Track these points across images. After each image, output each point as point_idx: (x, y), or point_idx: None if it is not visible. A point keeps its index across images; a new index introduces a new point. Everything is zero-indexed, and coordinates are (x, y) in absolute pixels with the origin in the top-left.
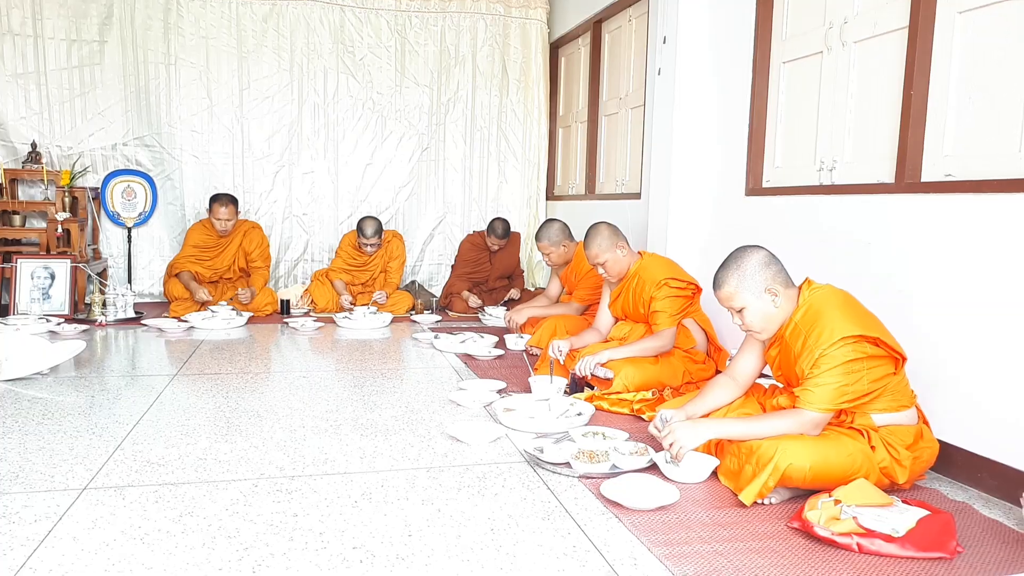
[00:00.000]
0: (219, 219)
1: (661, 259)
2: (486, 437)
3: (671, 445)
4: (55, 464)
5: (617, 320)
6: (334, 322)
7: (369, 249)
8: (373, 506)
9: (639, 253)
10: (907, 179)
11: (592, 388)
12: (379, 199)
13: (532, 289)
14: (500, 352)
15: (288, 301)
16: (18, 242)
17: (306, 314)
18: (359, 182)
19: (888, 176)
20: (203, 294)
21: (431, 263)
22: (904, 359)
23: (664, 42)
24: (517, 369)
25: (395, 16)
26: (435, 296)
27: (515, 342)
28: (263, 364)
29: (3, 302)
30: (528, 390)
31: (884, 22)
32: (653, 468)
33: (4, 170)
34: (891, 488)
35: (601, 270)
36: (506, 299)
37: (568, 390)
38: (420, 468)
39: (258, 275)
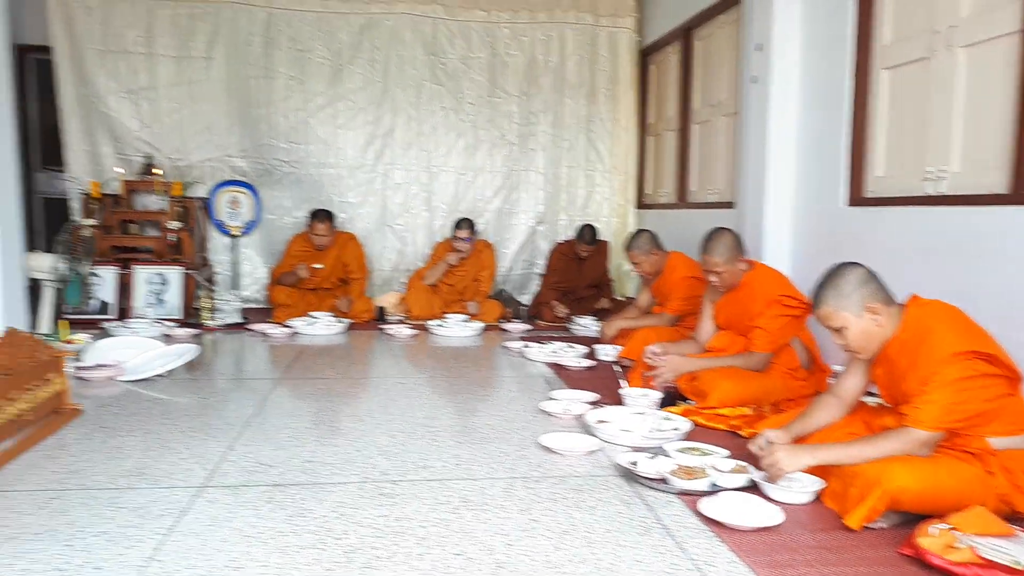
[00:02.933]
0: (317, 235)
1: (773, 272)
2: (580, 449)
3: (770, 467)
4: (175, 462)
5: (719, 330)
6: (428, 329)
7: (462, 244)
8: (472, 513)
9: (750, 263)
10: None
11: (687, 401)
12: (471, 208)
13: (622, 299)
14: (590, 363)
15: (384, 308)
16: (134, 249)
17: (401, 321)
18: (452, 191)
19: (1002, 186)
20: (303, 270)
21: (521, 272)
22: (1020, 379)
23: (759, 49)
24: (608, 380)
25: (485, 27)
26: (524, 305)
27: (605, 352)
28: (361, 369)
29: (121, 306)
30: (620, 402)
31: (995, 26)
32: (754, 487)
33: (123, 182)
34: (1011, 517)
35: (714, 278)
36: (596, 309)
37: (662, 403)
38: (516, 477)
39: (356, 284)
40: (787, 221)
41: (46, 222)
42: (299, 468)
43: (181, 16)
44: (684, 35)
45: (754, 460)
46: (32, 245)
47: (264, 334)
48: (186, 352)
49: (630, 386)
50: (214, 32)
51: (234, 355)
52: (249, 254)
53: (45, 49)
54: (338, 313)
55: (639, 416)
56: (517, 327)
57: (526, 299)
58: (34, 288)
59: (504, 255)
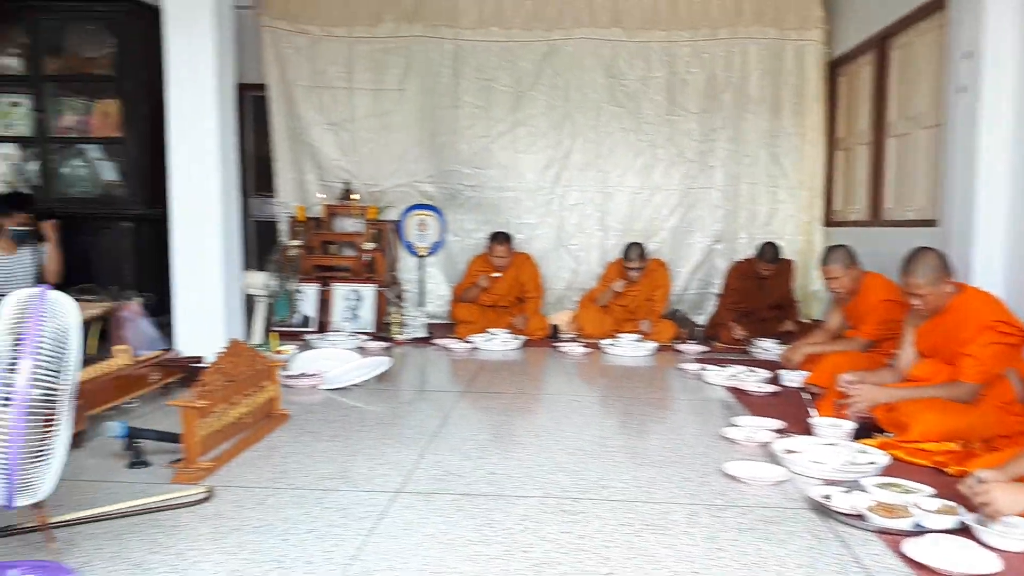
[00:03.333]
0: (496, 256)
1: (986, 296)
2: (767, 479)
3: (984, 507)
4: (372, 467)
5: (923, 358)
6: (600, 348)
7: (632, 274)
8: (656, 537)
9: (958, 286)
10: None
11: (884, 433)
12: (646, 228)
13: (807, 322)
14: (774, 388)
15: (557, 327)
16: (333, 268)
17: (573, 339)
18: (626, 212)
19: None
20: (484, 280)
21: (696, 292)
22: None
23: (967, 57)
24: (794, 407)
25: (664, 47)
26: (700, 326)
27: (790, 378)
28: (537, 386)
29: (321, 320)
30: (809, 432)
31: None
32: (965, 531)
33: (324, 206)
34: None
35: (917, 301)
36: (780, 331)
37: (856, 435)
38: (699, 504)
39: (531, 303)
40: (1000, 241)
41: (257, 243)
42: (484, 479)
43: (377, 51)
44: (879, 45)
45: (964, 500)
46: (247, 264)
47: (447, 348)
48: (380, 364)
49: (820, 415)
50: (407, 65)
51: (420, 368)
52: (434, 273)
53: (259, 87)
54: (514, 330)
55: (831, 447)
56: (692, 348)
57: (702, 319)
58: (248, 303)
59: (679, 274)
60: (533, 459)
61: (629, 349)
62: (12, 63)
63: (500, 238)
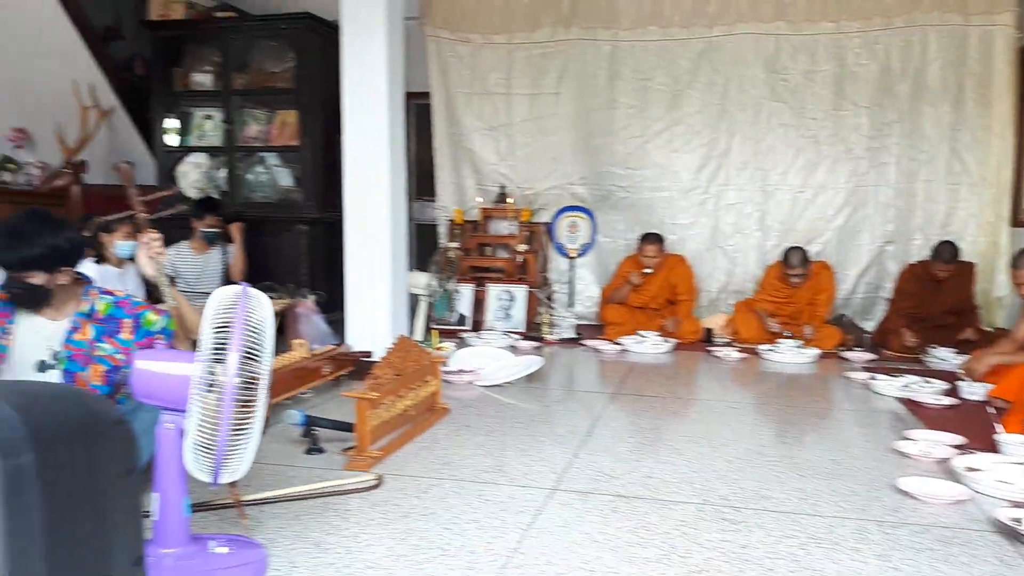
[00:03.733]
0: (646, 256)
1: None
2: (946, 497)
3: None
4: (528, 464)
5: None
6: (757, 353)
7: (794, 280)
8: (823, 551)
9: None
10: None
11: None
12: (808, 228)
13: (990, 330)
14: (952, 401)
15: (711, 330)
16: (487, 269)
17: (728, 344)
18: (787, 211)
19: None
20: (635, 277)
21: (864, 296)
22: None
23: None
24: (976, 422)
25: (833, 39)
26: (868, 332)
27: (971, 391)
28: (691, 390)
29: (475, 319)
30: (994, 449)
31: None
32: None
33: (481, 209)
34: None
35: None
36: (958, 340)
37: None
38: (869, 520)
39: (683, 305)
40: None
41: (417, 246)
42: (639, 482)
43: (535, 56)
44: None
45: None
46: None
47: (596, 350)
48: (533, 364)
49: (1007, 431)
50: (563, 68)
51: (571, 368)
52: (583, 274)
53: (420, 95)
54: (665, 333)
55: (1020, 467)
56: (859, 356)
57: (870, 326)
58: (411, 301)
59: (845, 277)
60: (689, 465)
61: (789, 355)
62: (205, 79)
63: (651, 238)
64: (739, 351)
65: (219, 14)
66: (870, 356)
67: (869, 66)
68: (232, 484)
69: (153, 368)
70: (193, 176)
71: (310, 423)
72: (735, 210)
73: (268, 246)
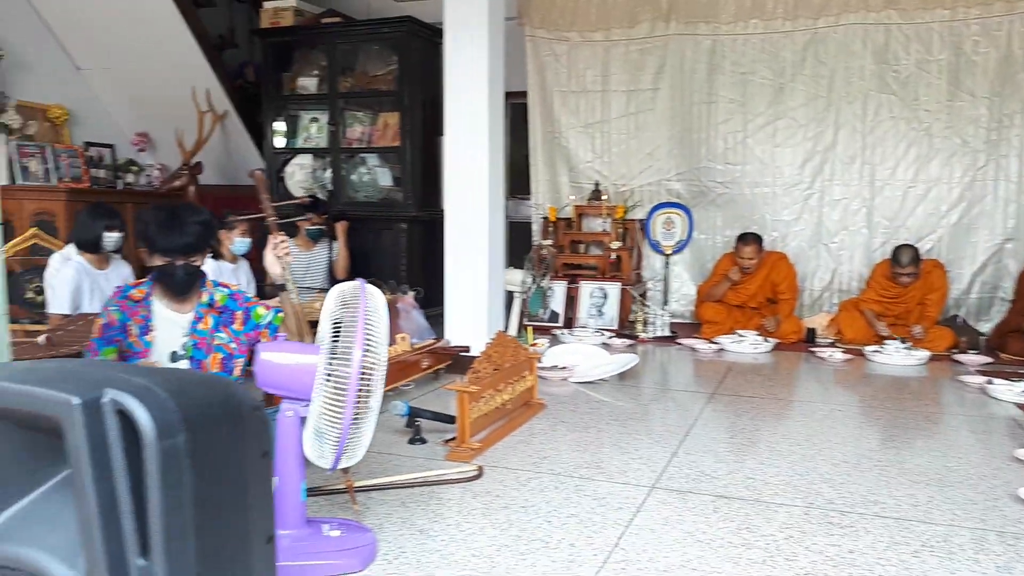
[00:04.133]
0: (743, 258)
1: None
2: None
3: None
4: (626, 461)
5: None
6: (863, 355)
7: (904, 280)
8: (937, 559)
9: None
10: None
11: None
12: (919, 225)
13: None
14: None
15: (814, 330)
16: (579, 266)
17: (832, 344)
18: (897, 207)
19: None
20: (735, 273)
21: (980, 296)
22: None
23: None
24: None
25: (949, 27)
26: (983, 334)
27: None
28: (792, 391)
29: (567, 316)
30: None
31: None
32: None
33: (575, 206)
34: None
35: None
36: None
37: None
38: (988, 529)
39: (784, 305)
40: None
41: (510, 243)
42: (741, 483)
43: (633, 53)
44: None
45: None
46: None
47: (692, 348)
48: (628, 361)
49: None
50: (661, 64)
51: (665, 367)
52: (678, 271)
53: (514, 94)
54: (764, 332)
55: None
56: (974, 359)
57: (986, 327)
58: (507, 298)
59: (959, 276)
60: (792, 467)
61: (897, 357)
62: (311, 84)
63: (748, 239)
64: (843, 352)
65: (326, 20)
66: (986, 359)
67: (989, 54)
68: (345, 470)
69: (278, 359)
70: (299, 176)
71: (413, 414)
72: (841, 206)
73: (370, 243)
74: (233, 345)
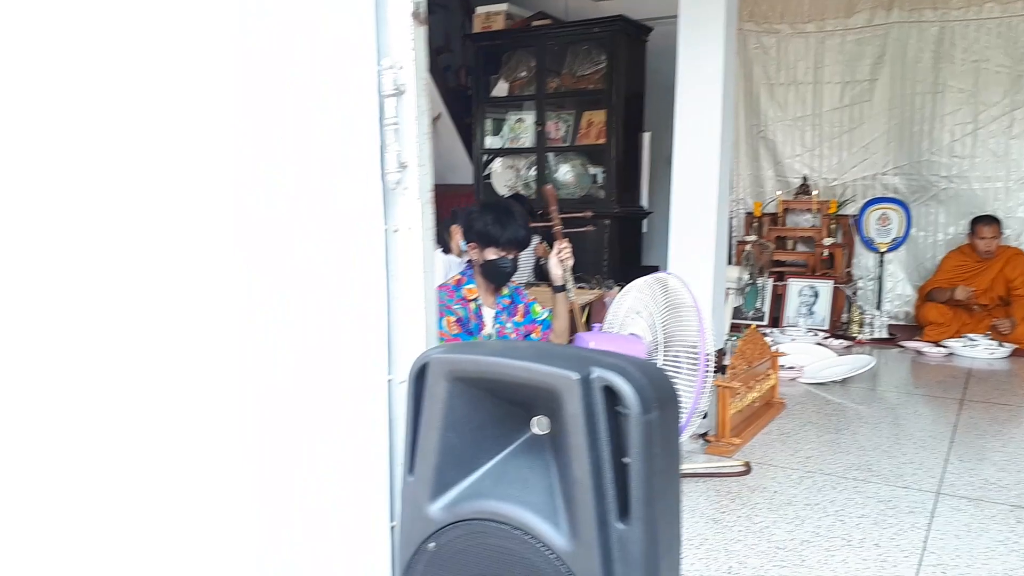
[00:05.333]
0: (983, 238)
1: None
2: None
3: None
4: (896, 465)
5: None
6: None
7: None
8: None
9: None
10: None
11: None
12: None
13: None
14: None
15: None
16: (785, 263)
17: None
18: None
19: None
20: (961, 292)
21: None
22: None
23: None
24: None
25: None
26: None
27: None
28: None
29: (773, 314)
30: None
31: None
32: None
33: (780, 202)
34: None
35: None
36: None
37: None
38: None
39: (1020, 304)
40: None
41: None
42: None
43: (849, 43)
44: None
45: None
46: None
47: (918, 352)
48: (865, 364)
49: None
50: (880, 53)
51: (895, 370)
52: (893, 270)
53: None
54: (996, 335)
55: None
56: None
57: None
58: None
59: None
60: None
61: None
62: (517, 86)
63: (987, 220)
64: None
65: (536, 23)
66: None
67: None
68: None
69: (606, 347)
70: (506, 176)
71: None
72: None
73: (573, 240)
74: (514, 336)
